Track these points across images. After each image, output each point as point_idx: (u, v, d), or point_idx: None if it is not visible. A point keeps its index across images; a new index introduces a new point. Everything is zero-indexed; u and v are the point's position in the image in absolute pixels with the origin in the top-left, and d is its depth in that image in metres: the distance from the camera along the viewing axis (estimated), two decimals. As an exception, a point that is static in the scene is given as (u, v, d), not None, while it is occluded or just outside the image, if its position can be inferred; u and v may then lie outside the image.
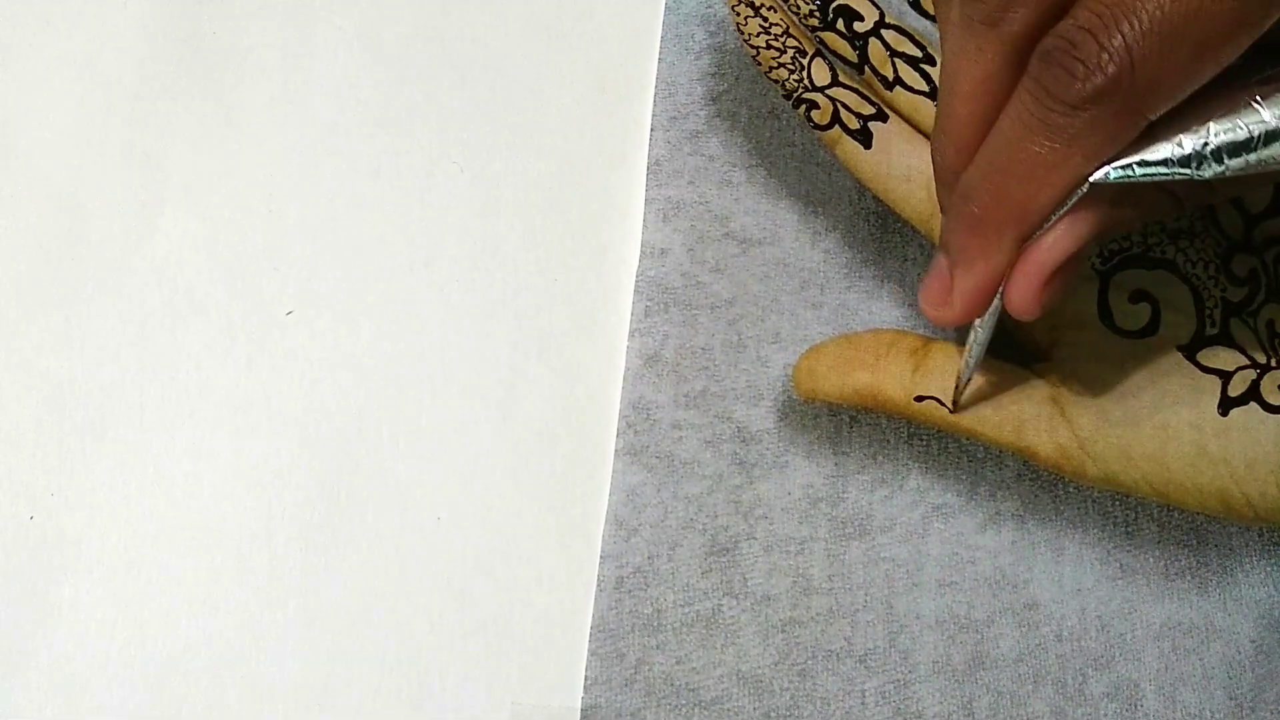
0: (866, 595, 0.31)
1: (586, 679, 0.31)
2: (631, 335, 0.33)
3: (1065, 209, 0.23)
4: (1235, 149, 0.22)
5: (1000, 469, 0.32)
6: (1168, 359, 0.28)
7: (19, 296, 0.34)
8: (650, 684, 0.31)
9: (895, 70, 0.30)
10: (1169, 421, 0.27)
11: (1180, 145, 0.22)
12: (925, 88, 0.30)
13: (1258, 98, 0.22)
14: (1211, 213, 0.29)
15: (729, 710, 0.30)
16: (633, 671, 0.31)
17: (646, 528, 0.32)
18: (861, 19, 0.30)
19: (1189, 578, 0.32)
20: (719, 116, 0.35)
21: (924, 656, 0.31)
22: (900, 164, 0.30)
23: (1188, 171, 0.22)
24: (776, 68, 0.31)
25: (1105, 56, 0.20)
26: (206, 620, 0.31)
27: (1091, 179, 0.22)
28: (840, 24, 0.30)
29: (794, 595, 0.31)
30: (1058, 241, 0.24)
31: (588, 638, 0.31)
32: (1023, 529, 0.32)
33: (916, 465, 0.32)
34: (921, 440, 0.33)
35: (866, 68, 0.30)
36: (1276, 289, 0.28)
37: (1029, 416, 0.29)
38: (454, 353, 0.34)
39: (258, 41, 0.36)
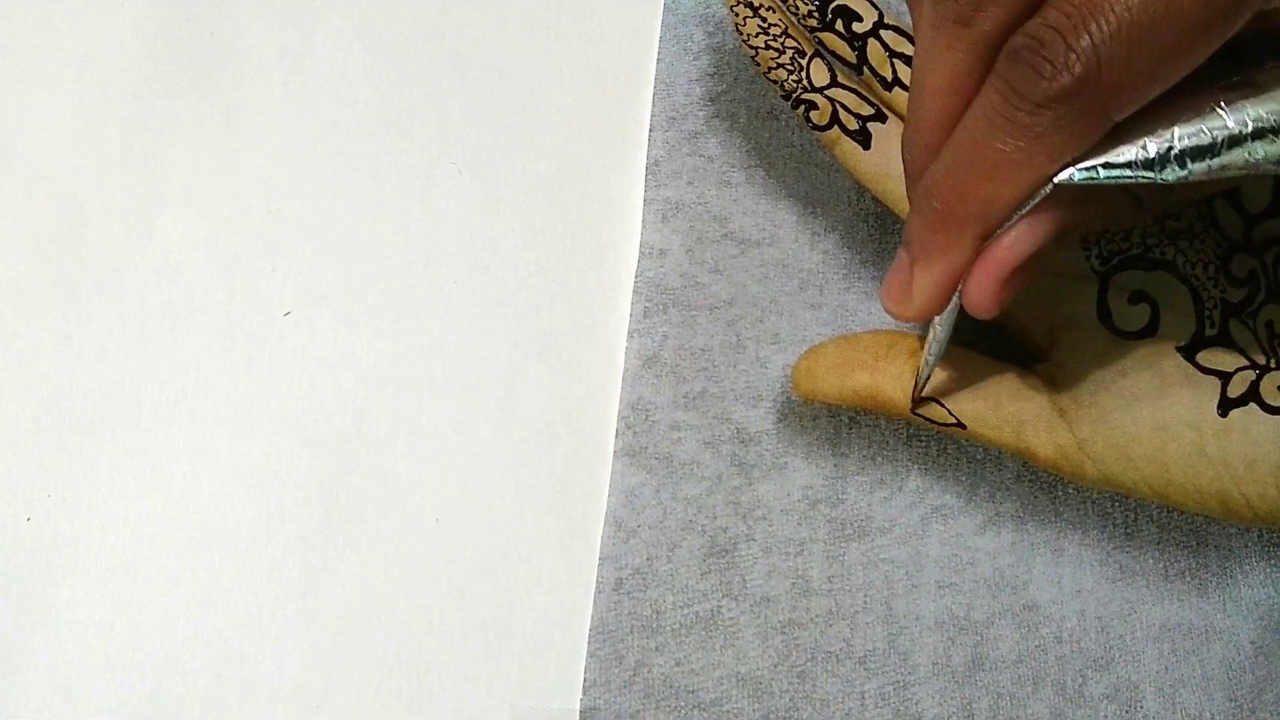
0: (866, 597, 0.31)
1: (585, 680, 0.31)
2: (630, 336, 0.33)
3: (1027, 209, 0.23)
4: (1198, 153, 0.22)
5: (1000, 470, 0.32)
6: (1167, 360, 0.28)
7: (17, 296, 0.34)
8: (649, 685, 0.30)
9: (894, 71, 0.30)
10: (1168, 422, 0.27)
11: (1145, 149, 0.22)
12: None
13: (1221, 103, 0.22)
14: (1211, 213, 0.29)
15: (728, 712, 0.30)
16: (632, 673, 0.31)
17: (645, 529, 0.32)
18: (860, 19, 0.30)
19: (1188, 579, 0.32)
20: (718, 117, 0.35)
21: (923, 658, 0.31)
22: (899, 165, 0.30)
23: (1151, 175, 0.22)
24: (775, 68, 0.31)
25: (1072, 56, 0.21)
26: (205, 620, 0.31)
27: (1056, 179, 0.22)
28: (839, 24, 0.30)
29: (793, 597, 0.31)
30: (1018, 241, 0.24)
31: (586, 639, 0.31)
32: (1022, 530, 0.32)
33: (916, 467, 0.32)
34: (921, 442, 0.33)
35: (865, 68, 0.30)
36: (1276, 290, 0.28)
37: (1028, 418, 0.29)
38: (453, 353, 0.34)
39: (257, 41, 0.36)
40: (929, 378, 0.28)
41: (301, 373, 0.33)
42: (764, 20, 0.31)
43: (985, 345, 0.30)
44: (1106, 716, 0.31)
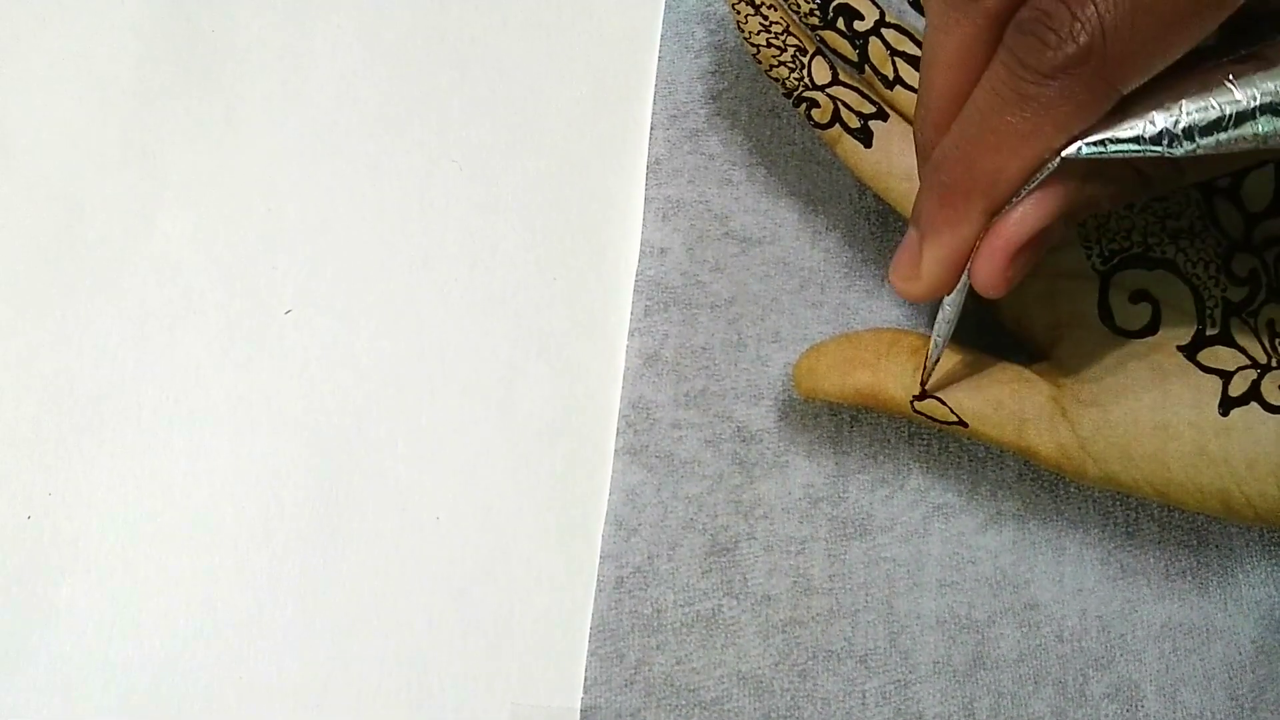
0: (867, 595, 0.31)
1: (586, 679, 0.31)
2: (631, 334, 0.33)
3: (1035, 184, 0.23)
4: (1207, 128, 0.22)
5: (1001, 469, 0.32)
6: (1168, 359, 0.28)
7: (17, 295, 0.34)
8: (650, 684, 0.30)
9: (895, 69, 0.30)
10: (1169, 421, 0.27)
11: (1152, 122, 0.22)
12: None
13: (1230, 77, 0.22)
14: (1212, 213, 0.29)
15: (729, 711, 0.30)
16: (633, 672, 0.31)
17: (646, 527, 0.32)
18: (862, 18, 0.30)
19: (1190, 578, 0.32)
20: (719, 115, 0.35)
21: (925, 657, 0.31)
22: (901, 162, 0.30)
23: (1159, 149, 0.22)
24: (777, 66, 0.31)
25: (1078, 25, 0.21)
26: (205, 620, 0.31)
27: (1063, 154, 0.22)
28: (840, 23, 0.30)
29: (794, 595, 0.31)
30: (1026, 215, 0.24)
31: (587, 638, 0.31)
32: (1024, 529, 0.32)
33: (917, 465, 0.32)
34: (922, 440, 0.33)
35: (867, 66, 0.30)
36: (1277, 289, 0.28)
37: (1030, 416, 0.29)
38: (453, 352, 0.34)
39: (256, 40, 0.36)
40: (938, 359, 0.28)
41: (301, 371, 0.33)
42: (765, 18, 0.30)
43: (987, 344, 0.30)
44: (1107, 715, 0.31)
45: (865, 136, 0.30)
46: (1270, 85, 0.22)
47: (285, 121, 0.36)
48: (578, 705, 0.31)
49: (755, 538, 0.32)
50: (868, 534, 0.32)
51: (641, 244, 0.34)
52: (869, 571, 0.32)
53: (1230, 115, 0.22)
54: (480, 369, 0.33)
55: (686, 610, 0.31)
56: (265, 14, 0.37)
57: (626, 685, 0.30)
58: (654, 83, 0.36)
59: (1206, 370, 0.27)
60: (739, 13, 0.31)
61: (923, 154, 0.25)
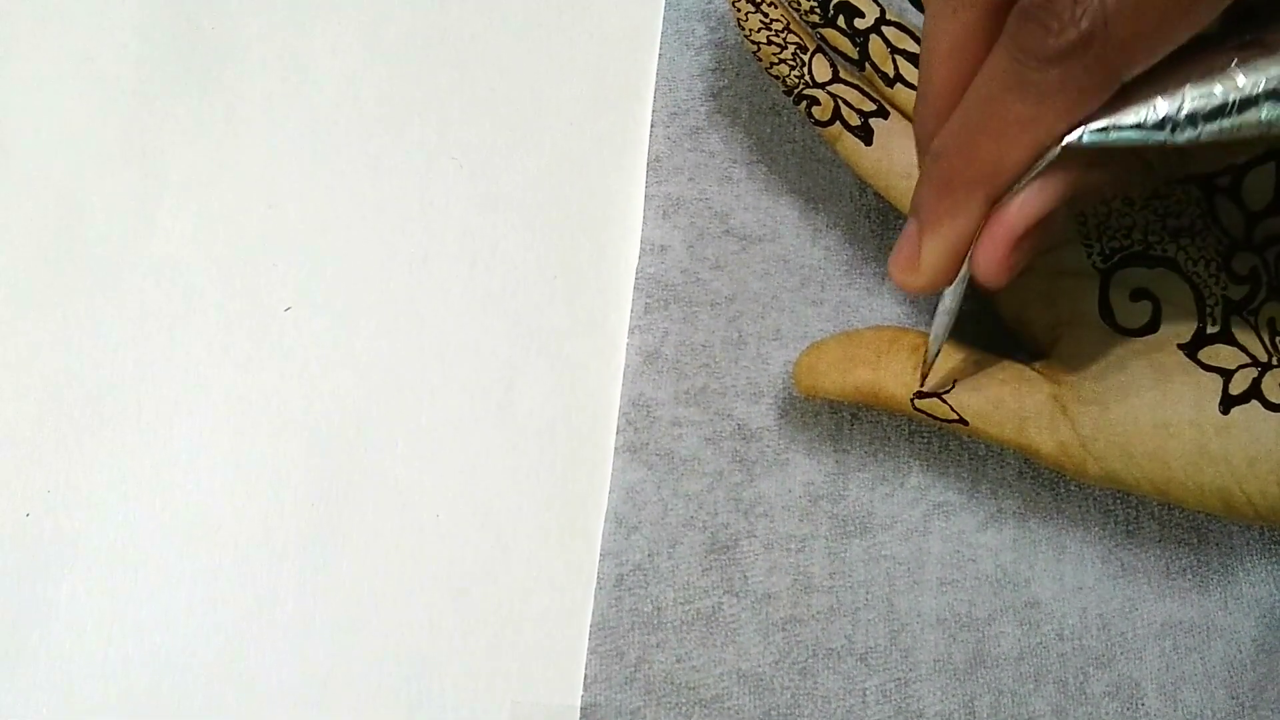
0: (867, 593, 0.31)
1: (586, 677, 0.31)
2: (631, 332, 0.33)
3: (1036, 171, 0.23)
4: (1211, 114, 0.22)
5: (1002, 467, 0.32)
6: (1169, 357, 0.28)
7: (17, 293, 0.34)
8: (650, 682, 0.30)
9: (896, 67, 0.30)
10: (1170, 420, 0.27)
11: (1155, 109, 0.22)
12: None
13: (1234, 63, 0.22)
14: (1212, 211, 0.28)
15: (729, 708, 0.30)
16: (633, 669, 0.31)
17: (646, 525, 0.32)
18: (862, 15, 0.30)
19: (1190, 576, 0.32)
20: (719, 112, 0.35)
21: (925, 655, 0.31)
22: (901, 160, 0.30)
23: (1162, 136, 0.22)
24: (777, 64, 0.31)
25: (1080, 10, 0.20)
26: (205, 619, 0.31)
27: (1065, 141, 0.22)
28: (841, 20, 0.30)
29: (794, 593, 0.31)
30: (1027, 204, 0.23)
31: (587, 636, 0.31)
32: (1024, 527, 0.32)
33: (917, 463, 0.32)
34: (923, 438, 0.33)
35: (867, 64, 0.30)
36: (1277, 287, 0.28)
37: (1030, 414, 0.29)
38: (453, 350, 0.34)
39: (256, 38, 0.36)
40: (939, 352, 0.28)
41: (301, 370, 0.33)
42: (766, 16, 0.30)
43: (987, 342, 0.30)
44: (1108, 714, 0.31)
45: (866, 134, 0.30)
46: (1275, 71, 0.21)
47: (285, 121, 0.36)
48: (578, 703, 0.31)
49: (755, 535, 0.32)
50: (868, 532, 0.32)
51: (642, 241, 0.34)
52: (869, 569, 0.32)
53: (1234, 101, 0.22)
54: (480, 367, 0.33)
55: (686, 608, 0.31)
56: (265, 14, 0.37)
57: (626, 683, 0.30)
58: (654, 80, 0.36)
59: (1207, 368, 0.27)
60: (739, 10, 0.31)
61: (922, 145, 0.25)
